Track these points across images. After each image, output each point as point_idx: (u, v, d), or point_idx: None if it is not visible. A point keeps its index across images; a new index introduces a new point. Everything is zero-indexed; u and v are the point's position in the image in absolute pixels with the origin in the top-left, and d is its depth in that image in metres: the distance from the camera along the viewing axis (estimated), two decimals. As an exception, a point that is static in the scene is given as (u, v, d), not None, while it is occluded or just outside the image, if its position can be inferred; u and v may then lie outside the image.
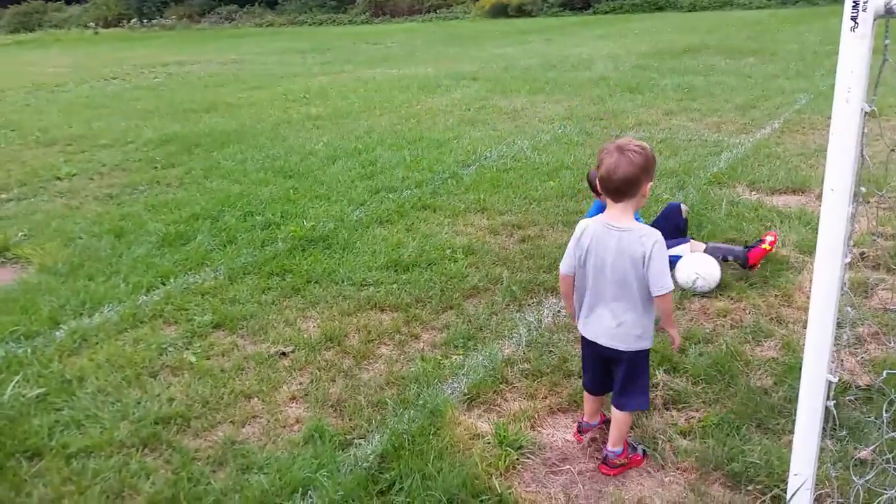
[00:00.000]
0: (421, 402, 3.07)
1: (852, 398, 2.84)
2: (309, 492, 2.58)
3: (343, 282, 4.39)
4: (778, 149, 6.67)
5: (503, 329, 3.73)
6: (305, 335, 3.79)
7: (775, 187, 5.58)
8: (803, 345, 3.37)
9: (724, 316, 3.72)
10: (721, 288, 3.99)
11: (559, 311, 3.87)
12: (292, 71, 15.95)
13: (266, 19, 36.82)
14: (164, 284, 4.50)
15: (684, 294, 3.92)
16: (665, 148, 7.01)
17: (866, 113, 1.86)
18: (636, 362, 2.57)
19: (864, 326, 3.51)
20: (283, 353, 3.64)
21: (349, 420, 3.03)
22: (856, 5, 1.79)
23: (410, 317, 3.91)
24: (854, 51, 1.80)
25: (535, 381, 3.23)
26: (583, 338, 2.63)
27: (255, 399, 3.25)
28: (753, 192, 5.54)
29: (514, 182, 6.20)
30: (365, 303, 4.11)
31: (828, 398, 2.10)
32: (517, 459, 2.73)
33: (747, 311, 3.75)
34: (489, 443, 2.82)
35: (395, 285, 4.29)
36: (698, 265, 4.00)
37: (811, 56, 12.52)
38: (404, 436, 2.82)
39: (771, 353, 3.34)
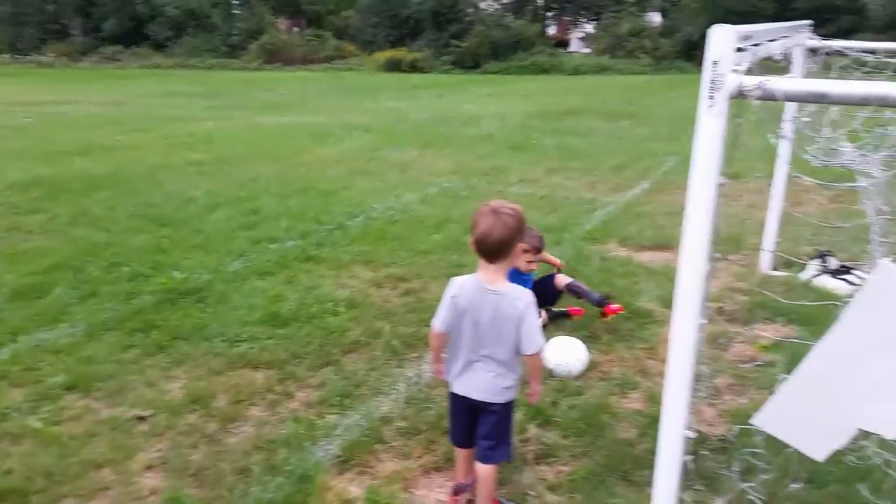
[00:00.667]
0: (289, 467, 2.93)
1: (708, 450, 2.97)
2: (160, 571, 2.37)
3: (214, 338, 4.18)
4: (647, 207, 7.09)
5: (382, 385, 3.66)
6: (168, 397, 3.56)
7: (643, 244, 5.90)
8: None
9: (594, 368, 3.84)
10: (592, 340, 4.13)
11: (438, 367, 3.86)
12: (177, 115, 15.46)
13: (153, 61, 35.69)
14: (12, 342, 4.12)
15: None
16: (545, 205, 7.28)
17: (721, 184, 2.00)
18: (506, 413, 2.60)
19: (721, 378, 3.72)
20: (141, 418, 3.40)
21: (210, 489, 2.84)
22: (712, 86, 1.93)
23: (285, 374, 3.77)
24: (710, 126, 1.93)
25: (410, 439, 3.17)
26: (452, 394, 2.63)
27: (107, 469, 2.99)
28: (623, 249, 5.83)
29: (400, 234, 6.21)
30: (237, 360, 3.92)
31: (685, 452, 2.18)
32: (388, 524, 2.65)
33: (615, 364, 3.89)
34: (360, 508, 2.72)
35: (270, 341, 4.13)
36: (568, 352, 3.87)
37: (680, 121, 13.52)
38: (269, 504, 2.67)
39: (636, 405, 3.46)
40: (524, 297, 2.48)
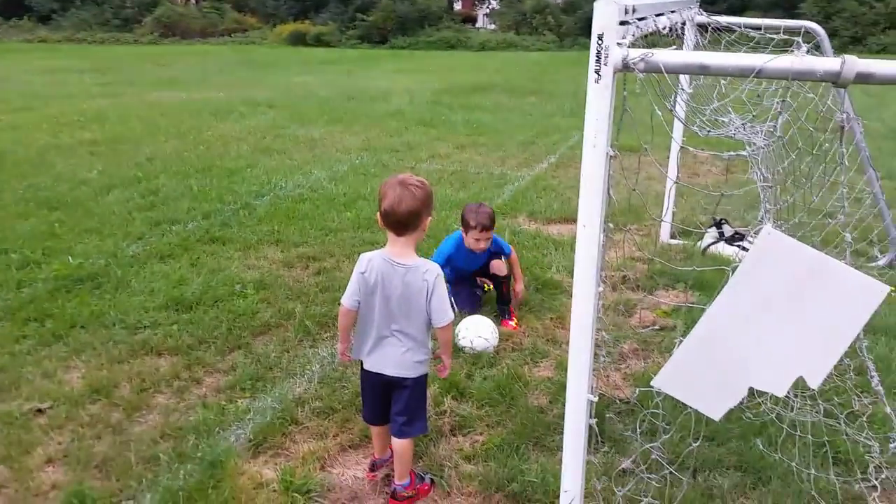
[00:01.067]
0: (199, 454, 2.85)
1: (615, 414, 3.11)
2: (63, 570, 2.27)
3: (114, 325, 3.99)
4: (553, 181, 7.27)
5: (295, 367, 3.61)
6: (67, 388, 3.38)
7: (551, 217, 6.05)
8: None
9: (507, 339, 3.93)
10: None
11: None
12: (67, 92, 14.48)
13: (37, 35, 33.14)
14: None
15: (471, 321, 4.08)
16: (456, 180, 7.33)
17: (611, 157, 2.07)
18: (419, 388, 2.62)
19: (626, 343, 3.89)
20: (39, 410, 3.22)
21: (116, 481, 2.73)
22: (598, 59, 1.98)
23: (192, 360, 3.65)
24: (598, 99, 1.99)
25: (326, 418, 3.15)
26: (364, 371, 2.62)
27: (1, 466, 2.81)
28: (532, 222, 5.96)
29: (310, 213, 6.10)
30: (139, 347, 3.77)
31: (590, 416, 2.27)
32: (304, 504, 2.63)
33: (527, 334, 3.99)
34: (275, 490, 2.69)
35: (174, 326, 3.98)
36: (477, 331, 3.85)
37: (584, 97, 13.83)
38: (180, 493, 2.60)
39: (547, 373, 3.57)
40: (433, 269, 2.50)
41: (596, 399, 2.23)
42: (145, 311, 4.16)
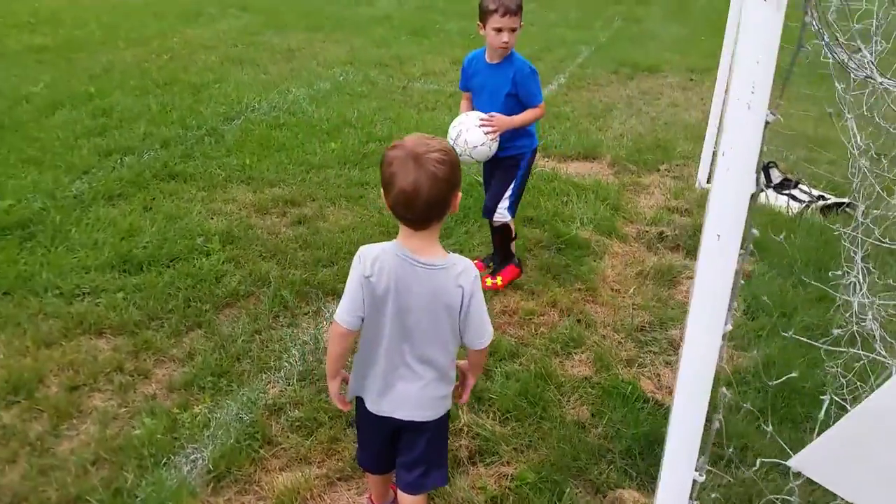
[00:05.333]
0: (141, 494, 2.17)
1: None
2: None
3: (46, 291, 3.22)
4: (566, 108, 6.39)
5: (268, 355, 2.89)
6: (-23, 384, 2.65)
7: (567, 153, 5.24)
8: (615, 357, 3.02)
9: (530, 319, 3.23)
10: (522, 282, 3.50)
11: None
12: (15, -15, 12.97)
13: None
14: None
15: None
16: (455, 104, 6.41)
17: (767, 123, 1.30)
18: (441, 430, 1.92)
19: (675, 327, 3.20)
20: (-63, 419, 2.50)
21: (26, 538, 2.05)
22: None
23: (139, 343, 2.92)
24: (764, 30, 1.20)
25: (308, 436, 2.47)
26: (366, 413, 1.89)
27: None
28: (547, 159, 5.15)
29: (287, 143, 5.23)
30: (75, 324, 3.02)
31: (691, 498, 1.59)
32: (280, 573, 1.98)
33: (552, 312, 3.29)
34: (240, 552, 2.03)
35: (120, 294, 3.22)
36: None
37: (589, 4, 12.71)
38: (110, 562, 1.93)
39: (583, 371, 2.89)
40: (469, 269, 1.75)
41: (703, 478, 1.55)
42: (85, 273, 3.38)
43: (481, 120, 3.11)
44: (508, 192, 3.34)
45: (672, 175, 4.93)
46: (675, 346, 3.04)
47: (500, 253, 3.52)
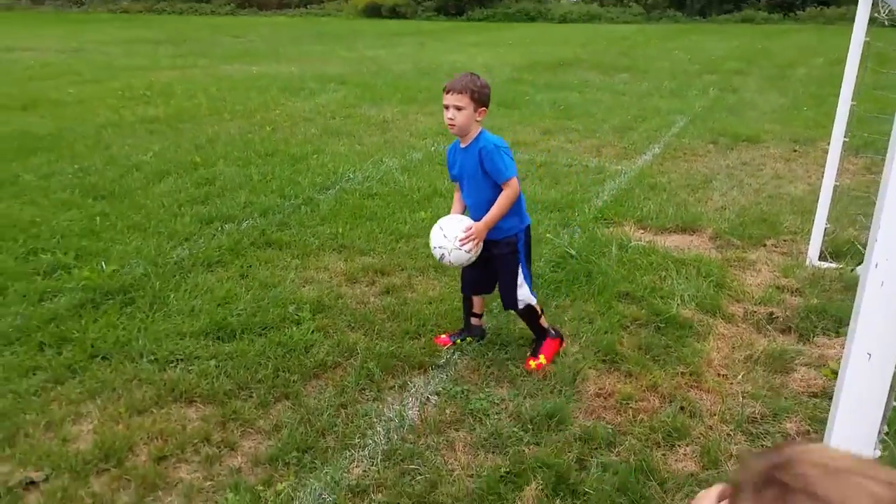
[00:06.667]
0: (221, 579, 2.09)
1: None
2: None
3: (142, 357, 3.30)
4: (662, 179, 6.20)
5: (352, 431, 2.81)
6: (72, 448, 2.70)
7: (665, 226, 5.03)
8: (724, 451, 2.75)
9: (627, 403, 3.02)
10: (618, 357, 3.31)
11: (427, 399, 3.02)
12: (138, 63, 14.18)
13: (120, 5, 33.56)
14: None
15: (579, 376, 3.18)
16: (545, 174, 6.37)
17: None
18: None
19: (790, 420, 2.91)
20: (31, 483, 2.53)
21: None
22: None
23: (228, 413, 2.90)
24: None
25: (390, 523, 2.35)
26: None
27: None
28: (642, 231, 4.96)
29: (379, 212, 5.29)
30: (167, 391, 3.05)
31: None
32: None
33: (652, 398, 3.06)
34: None
35: (212, 362, 3.25)
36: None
37: (682, 75, 12.56)
38: None
39: (688, 465, 2.65)
40: None
41: None
42: (180, 339, 3.45)
43: (460, 241, 3.03)
44: (519, 281, 3.21)
45: (780, 251, 4.62)
46: (787, 439, 2.75)
47: (535, 332, 3.38)
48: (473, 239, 3.05)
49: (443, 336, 3.52)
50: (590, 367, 3.26)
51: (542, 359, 3.29)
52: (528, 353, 3.35)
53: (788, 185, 6.00)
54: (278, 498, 2.44)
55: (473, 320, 3.56)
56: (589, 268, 4.21)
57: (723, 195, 5.66)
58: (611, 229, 4.95)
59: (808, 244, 4.41)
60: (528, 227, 3.27)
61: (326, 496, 2.45)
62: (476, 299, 3.50)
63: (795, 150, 7.12)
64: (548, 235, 4.75)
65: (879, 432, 1.21)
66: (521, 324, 3.50)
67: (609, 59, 15.00)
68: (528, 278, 3.27)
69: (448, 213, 3.38)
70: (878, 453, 1.25)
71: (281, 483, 2.51)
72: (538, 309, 3.35)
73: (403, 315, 3.71)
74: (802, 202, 5.40)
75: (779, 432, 2.81)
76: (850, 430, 1.20)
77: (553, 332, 3.40)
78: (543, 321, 3.39)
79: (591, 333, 3.54)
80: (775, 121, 8.47)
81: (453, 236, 3.07)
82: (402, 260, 4.43)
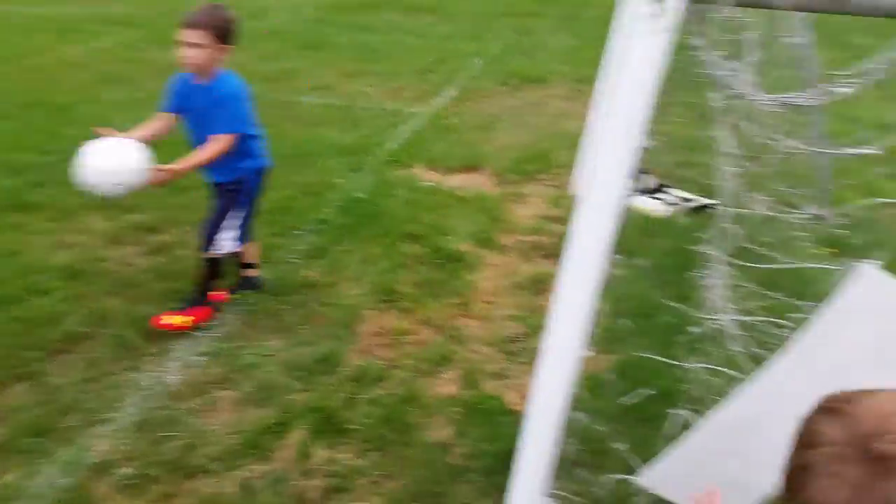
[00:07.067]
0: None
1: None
2: None
3: None
4: (455, 120, 6.27)
5: (101, 407, 2.59)
6: None
7: (452, 166, 5.10)
8: (482, 371, 2.88)
9: (400, 339, 3.05)
10: (396, 296, 3.34)
11: (192, 362, 2.85)
12: None
13: None
14: None
15: (356, 316, 3.16)
16: (344, 118, 6.21)
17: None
18: None
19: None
20: None
21: None
22: None
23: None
24: (646, 53, 1.13)
25: (137, 495, 2.19)
26: None
27: None
28: (431, 172, 5.00)
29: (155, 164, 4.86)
30: None
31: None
32: None
33: (425, 330, 3.13)
34: None
35: (-64, 349, 2.84)
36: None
37: (484, 17, 12.75)
38: None
39: (450, 389, 2.74)
40: None
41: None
42: None
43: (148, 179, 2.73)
44: (227, 223, 3.02)
45: (551, 184, 4.87)
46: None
47: (199, 290, 3.13)
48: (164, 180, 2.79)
49: (218, 292, 3.32)
50: (370, 308, 3.26)
51: (180, 319, 3.02)
52: (173, 309, 3.07)
53: (567, 121, 6.31)
54: (6, 491, 2.19)
55: (249, 271, 3.40)
56: (376, 210, 4.19)
57: (507, 134, 5.85)
58: (401, 172, 4.94)
59: (574, 177, 4.68)
60: (262, 170, 3.10)
61: (64, 479, 2.24)
62: (247, 248, 3.33)
63: (578, 90, 7.51)
64: (338, 180, 4.65)
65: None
66: (306, 270, 3.42)
67: (415, 1, 14.89)
68: (243, 227, 3.08)
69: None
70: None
71: (8, 474, 2.26)
72: (221, 271, 3.12)
73: (173, 275, 3.46)
74: (576, 138, 5.70)
75: (534, 348, 2.97)
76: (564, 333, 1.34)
77: (212, 303, 3.15)
78: (215, 289, 3.15)
79: (375, 275, 3.54)
80: (564, 61, 8.85)
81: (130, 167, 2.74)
82: (177, 214, 4.13)
